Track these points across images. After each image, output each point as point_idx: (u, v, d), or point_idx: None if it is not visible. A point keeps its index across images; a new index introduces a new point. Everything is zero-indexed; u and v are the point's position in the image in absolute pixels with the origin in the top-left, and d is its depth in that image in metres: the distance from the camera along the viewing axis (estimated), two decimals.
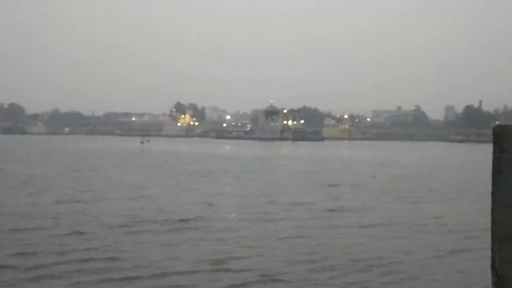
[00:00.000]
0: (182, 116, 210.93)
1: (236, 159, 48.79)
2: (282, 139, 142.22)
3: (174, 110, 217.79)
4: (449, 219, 15.06)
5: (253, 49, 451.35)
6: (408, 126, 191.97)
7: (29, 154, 51.39)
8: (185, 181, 25.33)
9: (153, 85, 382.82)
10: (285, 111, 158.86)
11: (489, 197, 1.07)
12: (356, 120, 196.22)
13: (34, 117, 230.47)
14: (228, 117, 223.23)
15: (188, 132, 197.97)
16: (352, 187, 23.68)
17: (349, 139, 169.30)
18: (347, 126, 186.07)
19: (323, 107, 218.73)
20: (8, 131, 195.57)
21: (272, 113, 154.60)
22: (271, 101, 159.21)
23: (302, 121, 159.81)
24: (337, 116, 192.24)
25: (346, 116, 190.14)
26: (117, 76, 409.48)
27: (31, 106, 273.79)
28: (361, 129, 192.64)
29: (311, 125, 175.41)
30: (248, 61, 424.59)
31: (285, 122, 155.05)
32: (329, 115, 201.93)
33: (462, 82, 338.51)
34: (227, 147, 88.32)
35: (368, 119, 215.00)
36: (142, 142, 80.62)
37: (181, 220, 13.94)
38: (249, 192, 20.76)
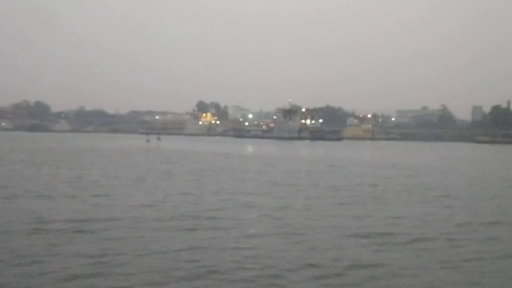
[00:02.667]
0: (204, 114, 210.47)
1: (229, 158, 46.82)
2: (300, 138, 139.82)
3: (196, 109, 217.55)
4: None
5: (279, 50, 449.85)
6: (433, 126, 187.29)
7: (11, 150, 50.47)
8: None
9: (177, 84, 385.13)
10: (303, 110, 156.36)
11: None
12: (379, 120, 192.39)
13: (59, 115, 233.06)
14: (250, 116, 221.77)
15: (209, 130, 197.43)
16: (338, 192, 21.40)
17: (372, 139, 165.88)
18: (370, 126, 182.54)
19: (347, 107, 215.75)
20: (33, 128, 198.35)
21: (290, 112, 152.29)
22: (290, 100, 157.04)
23: (320, 120, 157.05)
24: (360, 116, 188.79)
25: (369, 116, 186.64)
26: (142, 75, 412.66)
27: (58, 104, 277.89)
28: (385, 129, 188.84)
29: (333, 125, 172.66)
30: (273, 62, 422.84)
31: (303, 121, 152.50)
32: (352, 115, 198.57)
33: (490, 81, 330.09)
34: (237, 146, 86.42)
35: (393, 119, 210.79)
36: (148, 141, 79.52)
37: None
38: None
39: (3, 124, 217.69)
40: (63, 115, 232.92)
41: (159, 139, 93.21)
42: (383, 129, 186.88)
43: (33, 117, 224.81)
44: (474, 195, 20.67)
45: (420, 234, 12.26)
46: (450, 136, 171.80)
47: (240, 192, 19.79)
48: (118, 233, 11.62)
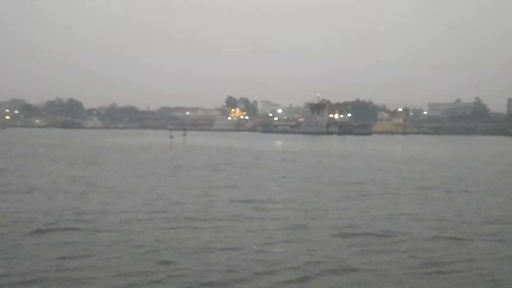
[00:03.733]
0: (233, 110, 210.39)
1: (241, 155, 46.15)
2: (328, 133, 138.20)
3: (225, 104, 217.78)
4: None
5: (310, 46, 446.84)
6: (467, 120, 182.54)
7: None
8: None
9: (208, 80, 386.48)
10: (331, 104, 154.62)
11: None
12: (411, 114, 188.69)
13: (91, 112, 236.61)
14: (279, 111, 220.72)
15: (238, 126, 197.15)
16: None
17: (403, 133, 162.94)
18: (401, 120, 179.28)
19: (378, 101, 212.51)
20: (65, 125, 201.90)
21: (318, 106, 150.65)
22: (318, 95, 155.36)
23: (349, 115, 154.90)
24: (391, 110, 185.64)
25: (400, 110, 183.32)
26: (172, 71, 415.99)
27: (90, 102, 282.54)
28: (417, 123, 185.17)
29: (363, 119, 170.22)
30: (304, 56, 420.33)
31: (331, 115, 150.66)
32: (383, 109, 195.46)
33: None
34: (262, 141, 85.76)
35: (425, 113, 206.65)
36: (171, 136, 79.34)
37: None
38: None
39: (37, 121, 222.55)
40: (94, 112, 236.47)
41: (184, 135, 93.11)
42: (414, 123, 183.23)
43: (66, 114, 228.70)
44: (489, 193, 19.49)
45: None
46: (484, 130, 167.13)
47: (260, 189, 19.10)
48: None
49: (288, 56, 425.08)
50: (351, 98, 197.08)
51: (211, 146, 59.73)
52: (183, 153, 45.22)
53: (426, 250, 10.13)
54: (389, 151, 55.63)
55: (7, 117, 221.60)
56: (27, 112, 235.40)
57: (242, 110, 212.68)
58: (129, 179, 22.17)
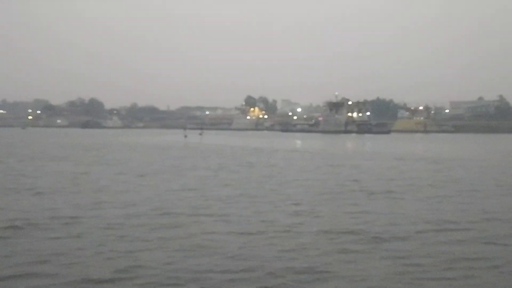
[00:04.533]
0: (252, 109, 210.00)
1: (259, 153, 45.72)
2: (346, 132, 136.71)
3: (244, 103, 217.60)
4: None
5: (332, 45, 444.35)
6: (490, 118, 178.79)
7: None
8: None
9: (228, 79, 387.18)
10: (350, 103, 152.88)
11: None
12: (432, 112, 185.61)
13: (112, 111, 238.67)
14: (299, 109, 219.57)
15: (257, 125, 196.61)
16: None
17: (424, 131, 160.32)
18: (422, 118, 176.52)
19: (399, 99, 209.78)
20: (86, 125, 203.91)
21: (336, 105, 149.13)
22: (336, 93, 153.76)
23: (368, 113, 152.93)
24: (412, 108, 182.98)
25: (421, 108, 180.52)
26: (193, 71, 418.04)
27: (111, 102, 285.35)
28: (438, 121, 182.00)
29: (383, 118, 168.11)
30: (325, 56, 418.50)
31: (350, 114, 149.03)
32: (404, 107, 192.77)
33: None
34: (278, 140, 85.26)
35: (447, 111, 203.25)
36: (185, 136, 79.59)
37: None
38: None
39: (59, 121, 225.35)
40: (115, 111, 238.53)
41: (200, 134, 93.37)
42: (435, 122, 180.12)
43: (88, 114, 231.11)
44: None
45: None
46: (508, 128, 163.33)
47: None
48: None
49: (310, 55, 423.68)
50: (371, 97, 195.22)
51: (225, 145, 59.42)
52: (195, 152, 44.95)
53: None
54: (422, 149, 54.71)
55: (30, 117, 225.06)
56: (49, 112, 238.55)
57: (261, 109, 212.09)
58: (120, 179, 21.87)
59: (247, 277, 8.04)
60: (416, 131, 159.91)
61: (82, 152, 42.27)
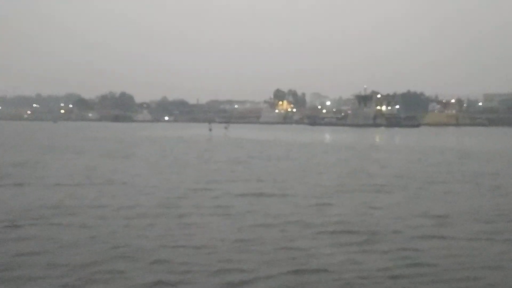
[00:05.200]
0: (280, 102, 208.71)
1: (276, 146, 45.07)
2: (375, 125, 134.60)
3: (272, 97, 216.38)
4: None
5: (363, 36, 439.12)
6: None
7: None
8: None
9: (258, 72, 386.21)
10: (378, 96, 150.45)
11: None
12: (464, 105, 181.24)
13: (142, 105, 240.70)
14: (328, 103, 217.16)
15: (285, 118, 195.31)
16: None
17: (456, 125, 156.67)
18: (453, 111, 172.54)
19: (430, 92, 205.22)
20: (116, 118, 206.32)
21: (365, 98, 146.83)
22: (365, 86, 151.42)
23: (397, 106, 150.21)
24: (443, 101, 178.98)
25: (453, 101, 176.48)
26: (224, 64, 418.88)
27: (142, 95, 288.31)
28: (471, 114, 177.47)
29: (414, 111, 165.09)
30: (355, 48, 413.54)
31: (378, 107, 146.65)
32: (435, 100, 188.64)
33: None
34: (304, 134, 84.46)
35: (480, 104, 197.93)
36: (210, 129, 79.46)
37: None
38: None
39: (90, 115, 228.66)
40: (144, 105, 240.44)
41: (225, 128, 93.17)
42: (468, 114, 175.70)
43: (118, 108, 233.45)
44: None
45: None
46: None
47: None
48: None
49: (337, 47, 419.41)
50: (402, 90, 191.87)
51: (249, 139, 58.86)
52: (217, 146, 44.60)
53: None
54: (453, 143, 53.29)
55: (62, 111, 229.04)
56: (81, 106, 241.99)
57: (289, 103, 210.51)
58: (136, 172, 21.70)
59: None
60: (448, 124, 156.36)
61: (99, 144, 42.49)
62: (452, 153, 35.60)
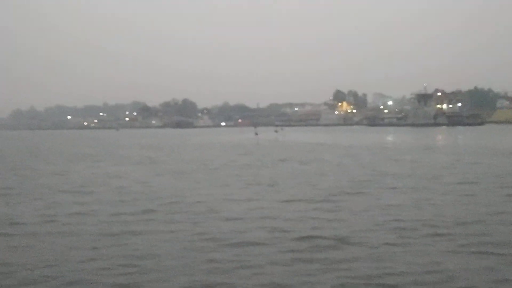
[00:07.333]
0: (340, 104, 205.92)
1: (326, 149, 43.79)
2: (436, 124, 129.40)
3: (331, 98, 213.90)
4: None
5: (423, 34, 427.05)
6: None
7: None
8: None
9: (318, 74, 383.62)
10: (439, 94, 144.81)
11: None
12: None
13: (203, 111, 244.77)
14: (390, 103, 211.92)
15: (345, 120, 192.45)
16: None
17: None
18: None
19: (498, 88, 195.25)
20: (178, 125, 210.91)
21: (424, 97, 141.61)
22: (425, 84, 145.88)
23: (459, 104, 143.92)
24: None
25: None
26: (281, 66, 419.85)
27: (204, 101, 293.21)
28: None
29: (480, 108, 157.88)
30: (419, 47, 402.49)
31: (439, 106, 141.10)
32: (504, 96, 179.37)
33: None
34: (360, 135, 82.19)
35: None
36: (256, 133, 78.94)
37: None
38: None
39: (153, 121, 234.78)
40: (205, 111, 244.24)
41: (276, 131, 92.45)
42: None
43: (181, 114, 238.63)
44: None
45: None
46: None
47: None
48: None
49: (407, 47, 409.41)
50: (466, 87, 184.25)
51: (301, 143, 57.39)
52: (260, 150, 44.03)
53: None
54: None
55: (127, 119, 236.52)
56: (145, 114, 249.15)
57: (350, 104, 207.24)
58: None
59: None
60: None
61: (138, 151, 42.97)
62: None
